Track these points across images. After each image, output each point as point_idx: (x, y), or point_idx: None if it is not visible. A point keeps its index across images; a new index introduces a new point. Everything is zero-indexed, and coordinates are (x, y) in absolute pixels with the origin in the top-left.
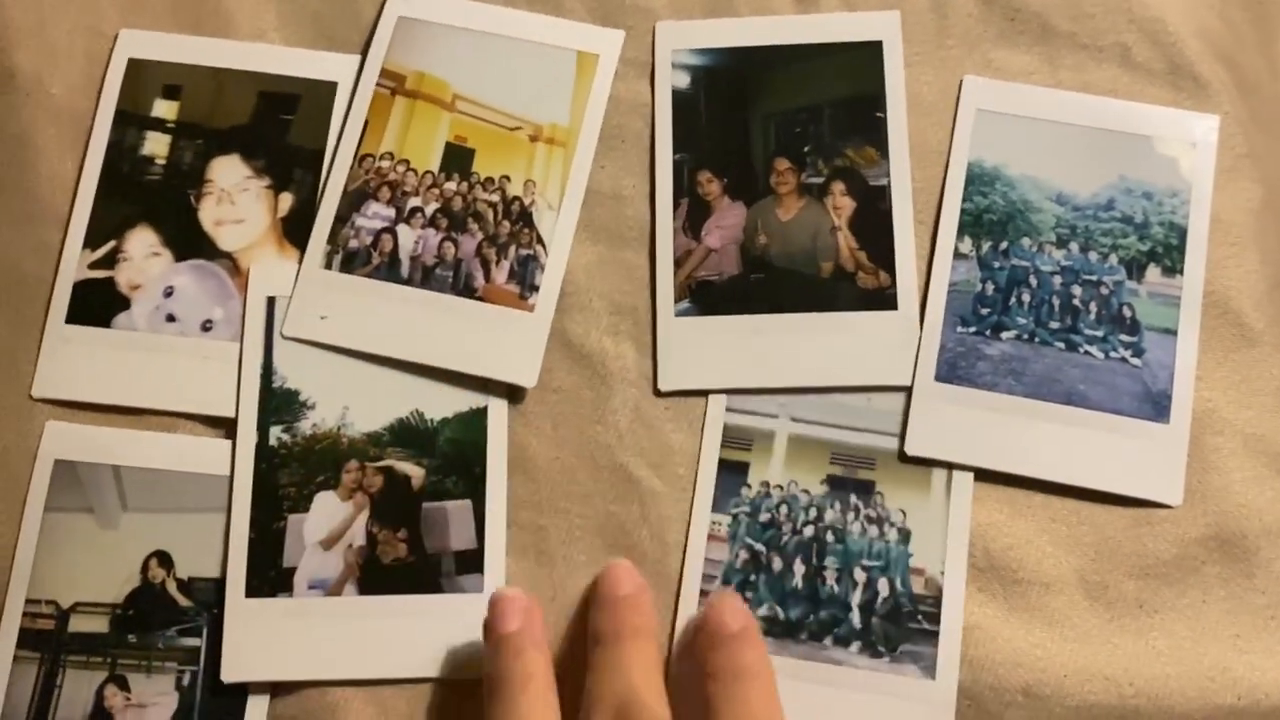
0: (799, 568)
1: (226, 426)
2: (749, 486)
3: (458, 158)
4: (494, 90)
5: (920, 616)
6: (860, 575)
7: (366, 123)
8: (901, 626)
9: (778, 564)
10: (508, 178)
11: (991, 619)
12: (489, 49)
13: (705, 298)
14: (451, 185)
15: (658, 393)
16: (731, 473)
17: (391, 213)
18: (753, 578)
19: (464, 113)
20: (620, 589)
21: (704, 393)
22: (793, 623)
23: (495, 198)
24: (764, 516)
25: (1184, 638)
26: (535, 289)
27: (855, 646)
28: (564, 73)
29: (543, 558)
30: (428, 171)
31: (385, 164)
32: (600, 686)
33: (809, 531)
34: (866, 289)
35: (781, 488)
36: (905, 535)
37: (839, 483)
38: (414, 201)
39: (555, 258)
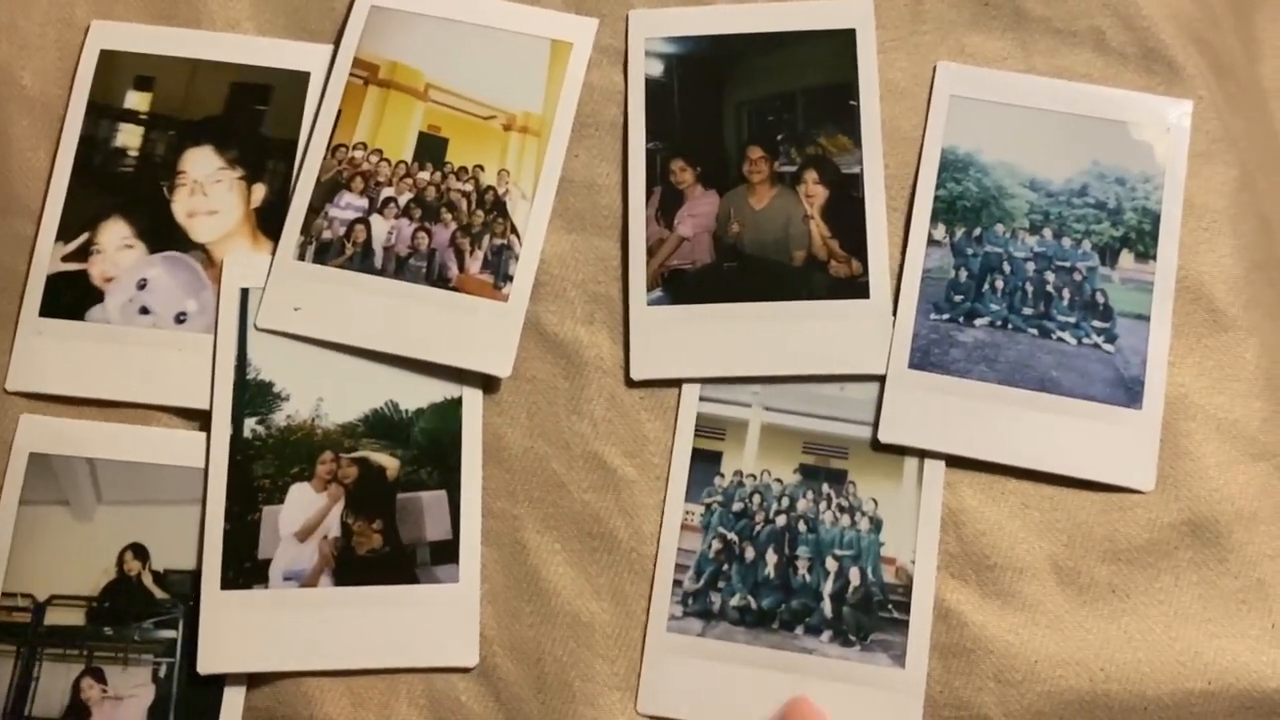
0: (771, 557)
1: (201, 419)
2: (722, 476)
3: (431, 147)
4: (467, 79)
5: (891, 605)
6: (832, 564)
7: (339, 113)
8: (872, 615)
9: (750, 553)
10: (481, 167)
11: (964, 605)
12: (462, 37)
13: (678, 286)
14: (425, 175)
15: (630, 382)
16: (705, 462)
17: (365, 203)
18: (725, 567)
19: (437, 102)
20: None
21: (676, 382)
22: (765, 612)
23: (469, 187)
24: (737, 506)
25: (1156, 622)
26: (509, 279)
27: (826, 635)
28: (537, 61)
29: (517, 547)
30: (401, 161)
31: (358, 154)
32: None
33: (781, 521)
34: (839, 277)
35: (754, 477)
36: (877, 524)
37: (811, 472)
38: (387, 191)
39: (529, 247)
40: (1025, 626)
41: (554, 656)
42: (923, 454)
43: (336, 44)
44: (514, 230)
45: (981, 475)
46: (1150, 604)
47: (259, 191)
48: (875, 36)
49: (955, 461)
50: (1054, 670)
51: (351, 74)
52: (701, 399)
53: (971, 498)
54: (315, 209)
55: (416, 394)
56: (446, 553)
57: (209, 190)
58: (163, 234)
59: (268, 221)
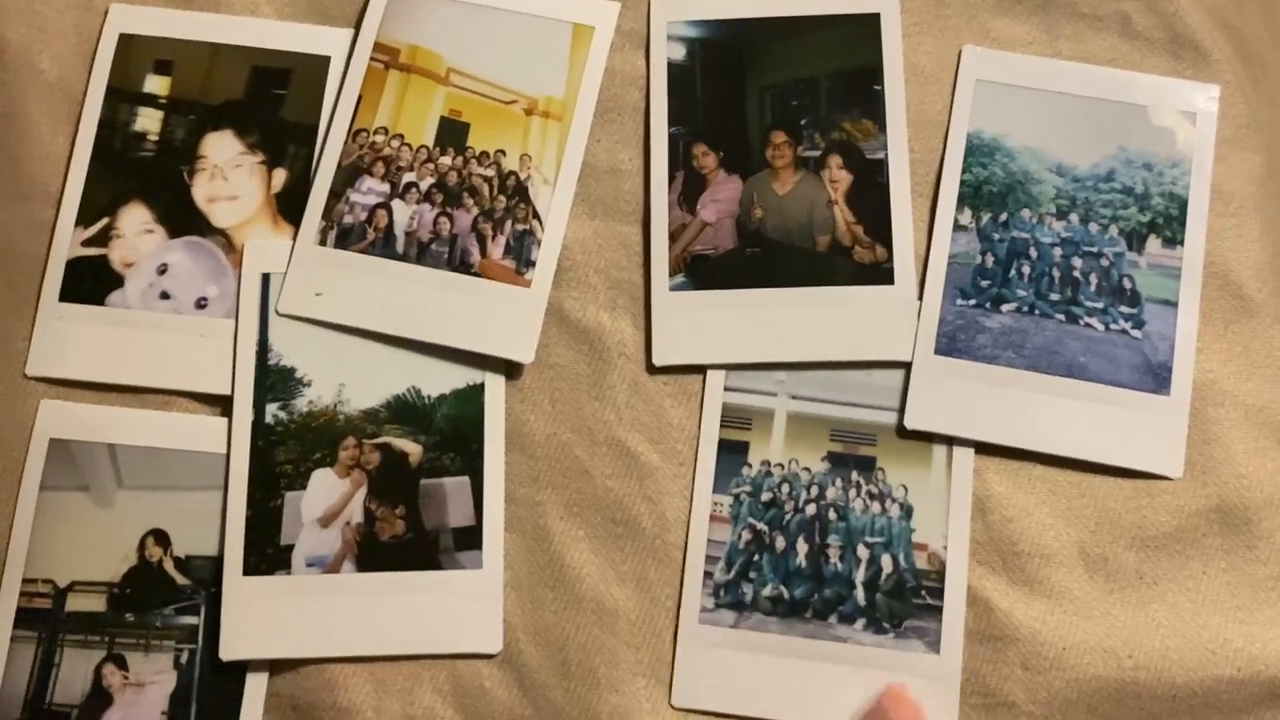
0: (802, 546)
1: (222, 404)
2: (749, 466)
3: (453, 132)
4: (488, 63)
5: (924, 591)
6: (863, 552)
7: (360, 97)
8: (906, 602)
9: (780, 543)
10: (503, 152)
11: (991, 592)
12: (483, 21)
13: (700, 272)
14: (446, 160)
15: (651, 368)
16: (731, 452)
17: (386, 188)
18: (756, 557)
19: (458, 86)
20: None
21: (698, 368)
22: (797, 601)
23: (491, 172)
24: (765, 495)
25: (1184, 609)
26: (532, 264)
27: (860, 623)
28: (559, 45)
29: (540, 533)
30: (422, 146)
31: (380, 139)
32: None
33: (811, 509)
34: (863, 263)
35: (782, 466)
36: (907, 511)
37: (840, 460)
38: (409, 177)
39: (552, 233)
40: (1053, 613)
41: (578, 643)
42: (950, 440)
43: (357, 28)
44: (536, 215)
45: (1009, 462)
46: (1178, 591)
47: (279, 176)
48: (900, 20)
49: (982, 448)
50: (1081, 657)
51: (372, 58)
52: (726, 389)
53: (999, 484)
54: (336, 194)
55: (439, 380)
56: (469, 539)
57: (229, 175)
58: (183, 219)
59: (288, 206)
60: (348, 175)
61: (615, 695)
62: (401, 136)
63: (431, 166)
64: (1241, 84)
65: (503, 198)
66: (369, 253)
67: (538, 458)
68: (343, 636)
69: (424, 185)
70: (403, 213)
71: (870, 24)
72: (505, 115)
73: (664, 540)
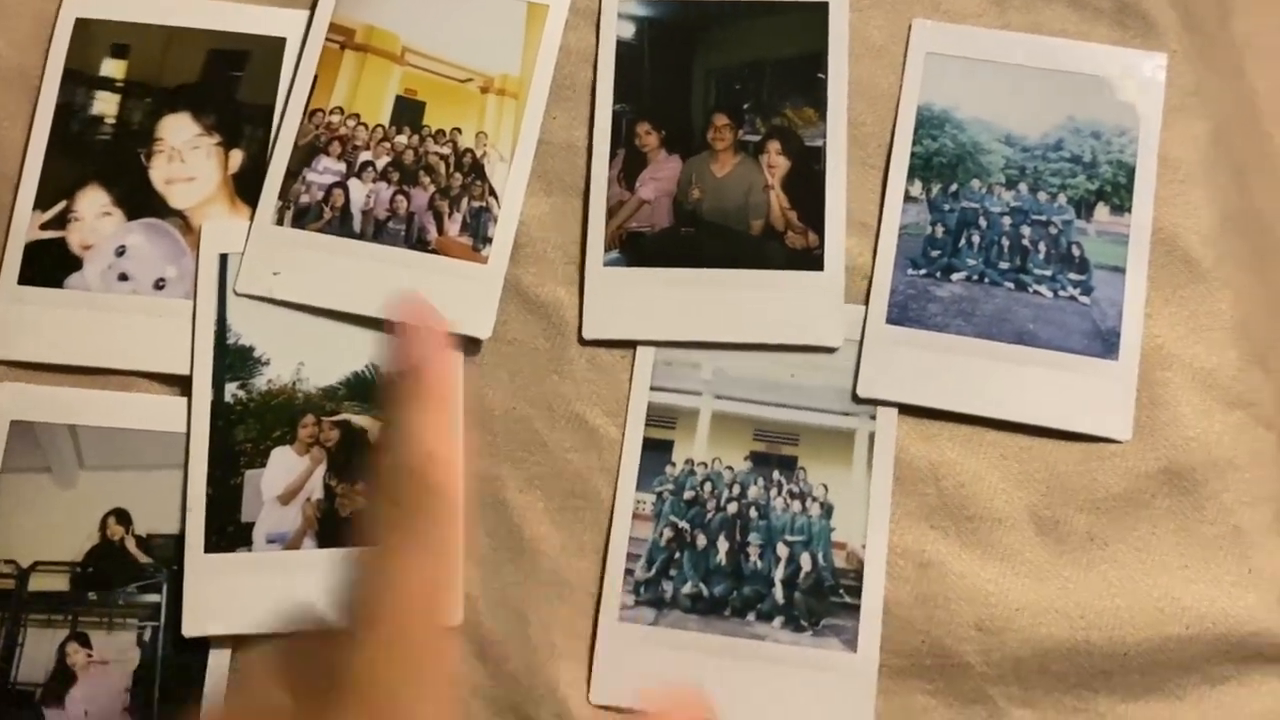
0: (722, 544)
1: (182, 384)
2: (673, 464)
3: (408, 111)
4: (444, 42)
5: (842, 590)
6: (783, 550)
7: (316, 77)
8: (823, 601)
9: (701, 541)
10: (459, 130)
11: (945, 555)
12: (438, 1)
13: (635, 249)
14: (403, 139)
15: (582, 341)
16: (656, 451)
17: (342, 167)
18: (677, 555)
19: (414, 65)
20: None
21: (628, 343)
22: (716, 599)
23: (447, 150)
24: (688, 494)
25: (1134, 570)
26: (488, 241)
27: (778, 622)
28: (514, 23)
29: (500, 506)
30: (378, 125)
31: (335, 118)
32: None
33: (732, 508)
34: (795, 249)
35: (705, 465)
36: (827, 510)
37: (762, 459)
38: (365, 155)
39: (508, 209)
40: (1005, 576)
41: (537, 615)
42: (902, 406)
43: (312, 9)
44: (492, 193)
45: (960, 428)
46: (1128, 552)
47: (236, 158)
48: (848, 9)
49: (935, 414)
50: (1034, 619)
51: (327, 38)
52: (652, 388)
53: (951, 450)
54: (293, 174)
55: None
56: None
57: (186, 157)
58: (141, 201)
59: (245, 187)
60: (304, 155)
61: (575, 665)
62: (358, 116)
63: (388, 145)
64: (1188, 52)
65: (459, 175)
66: (326, 232)
67: (496, 432)
68: None
69: (380, 164)
70: (359, 191)
71: (818, 12)
72: (461, 94)
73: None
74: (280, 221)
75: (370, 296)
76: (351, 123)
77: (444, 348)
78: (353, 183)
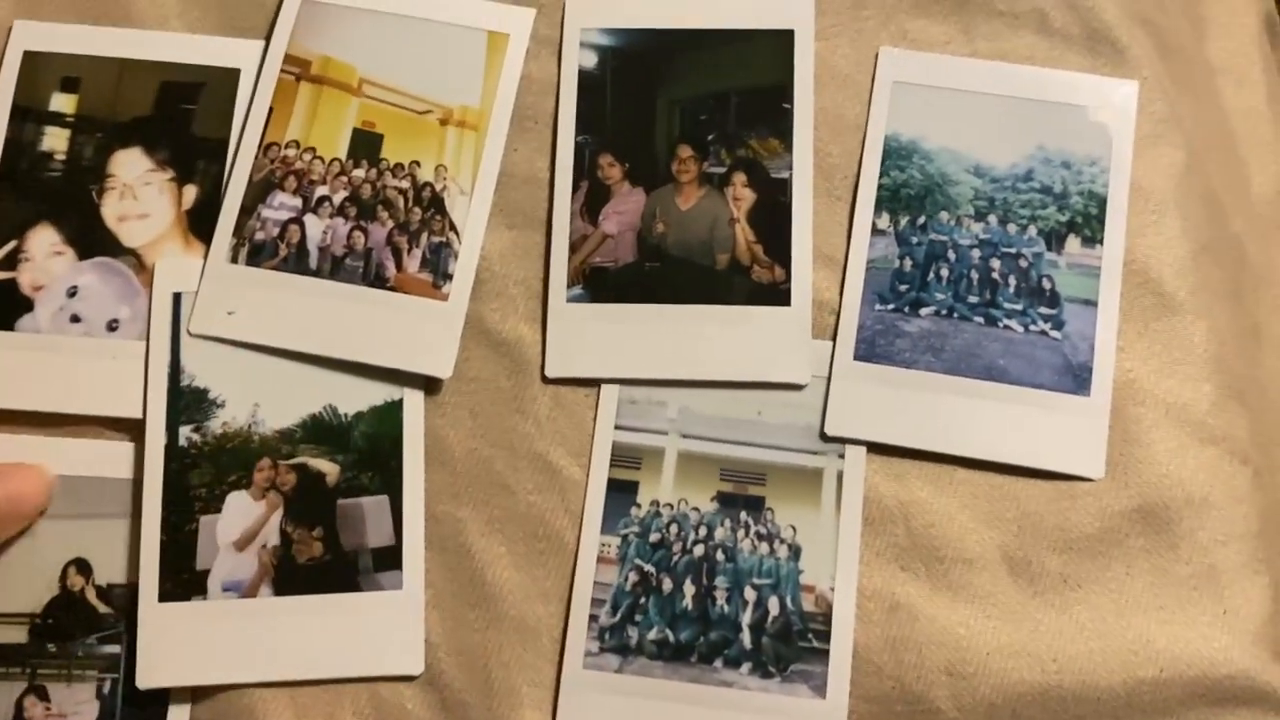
0: (689, 588)
1: (135, 428)
2: (639, 506)
3: (366, 144)
4: (402, 73)
5: (811, 634)
6: (750, 594)
7: (271, 110)
8: (792, 645)
9: (668, 585)
10: (418, 163)
11: (915, 598)
12: (396, 31)
13: (598, 284)
14: (360, 172)
15: (544, 379)
16: (621, 492)
17: (298, 202)
18: (642, 600)
19: (372, 97)
20: None
21: (592, 381)
22: (683, 645)
23: (405, 184)
24: (654, 536)
25: (1108, 611)
26: (449, 277)
27: (746, 667)
28: (474, 53)
29: (462, 551)
30: (335, 159)
31: (291, 152)
32: None
33: (699, 550)
34: (761, 283)
35: (671, 506)
36: (795, 552)
37: (729, 499)
38: (321, 190)
39: (469, 245)
40: (977, 619)
41: (501, 661)
42: (870, 445)
43: (267, 40)
44: (453, 227)
45: (930, 466)
46: (1102, 593)
47: (190, 193)
48: (815, 28)
49: (905, 453)
50: (1006, 662)
51: (283, 70)
52: (617, 427)
53: (921, 489)
54: (247, 210)
55: (355, 397)
56: (389, 559)
57: (139, 193)
58: (93, 240)
59: (200, 224)
60: (259, 190)
61: (539, 715)
62: (314, 150)
63: (345, 179)
64: (1160, 79)
65: (418, 210)
66: (281, 269)
67: (458, 473)
68: (262, 661)
69: (337, 199)
70: (316, 227)
71: (784, 41)
72: (420, 126)
73: None
74: (235, 259)
75: (327, 336)
76: (308, 156)
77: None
78: (309, 218)
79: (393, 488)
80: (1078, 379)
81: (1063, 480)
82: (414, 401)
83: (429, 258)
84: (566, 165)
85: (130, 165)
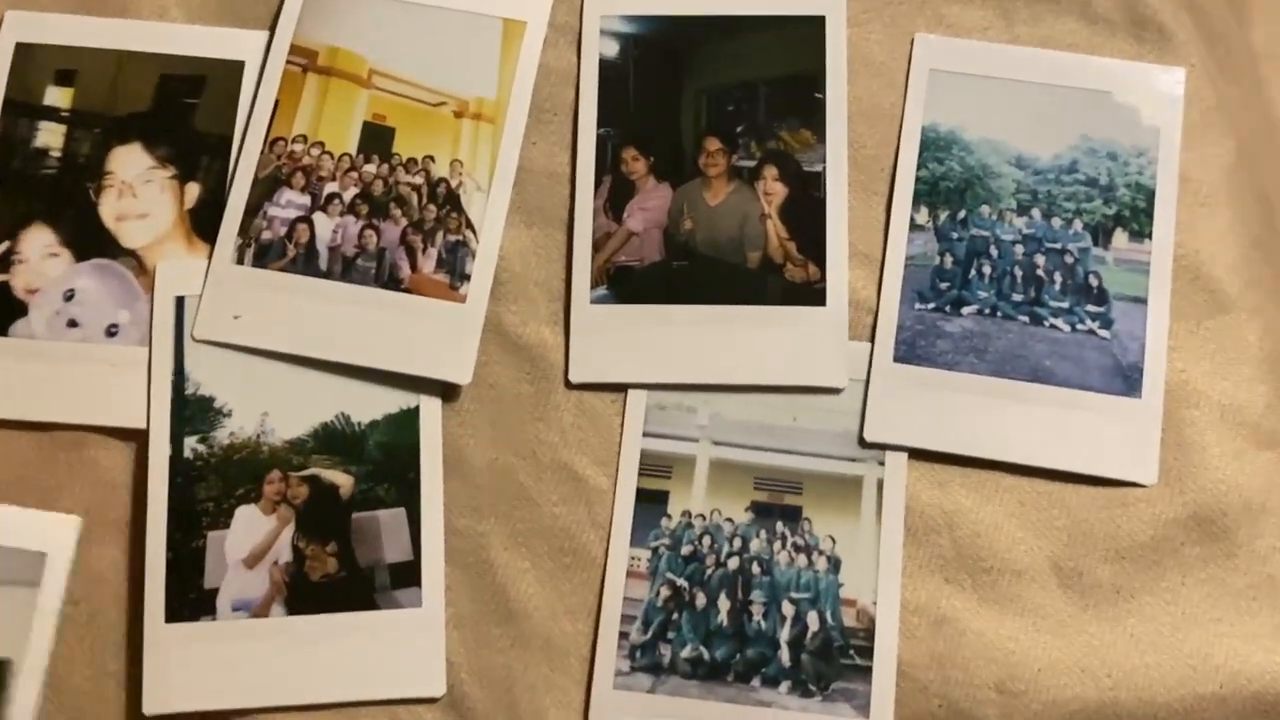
0: (724, 603)
1: (137, 438)
2: (669, 517)
3: (377, 138)
4: (414, 63)
5: (852, 651)
6: (789, 609)
7: (277, 104)
8: (833, 663)
9: (701, 600)
10: (432, 158)
11: (961, 612)
12: (407, 19)
13: (624, 284)
14: (371, 168)
15: (568, 384)
16: (650, 503)
17: (307, 200)
18: (675, 616)
19: (382, 89)
20: None
21: (618, 387)
22: (718, 663)
23: (419, 180)
24: (686, 549)
25: (1163, 624)
26: (466, 278)
27: (785, 686)
28: (489, 42)
29: (484, 566)
30: (345, 154)
31: (298, 147)
32: None
33: (733, 563)
34: (794, 282)
35: (704, 517)
36: (835, 564)
37: (764, 509)
38: (331, 187)
39: (487, 243)
40: (1026, 632)
41: (527, 683)
42: (911, 451)
43: (272, 30)
44: (469, 225)
45: (975, 473)
46: (1156, 605)
47: (193, 191)
48: (847, 14)
49: (947, 459)
50: (1058, 678)
51: (289, 61)
52: (645, 434)
53: (965, 497)
54: (253, 208)
55: (369, 405)
56: (407, 575)
57: (139, 191)
58: (90, 240)
59: (203, 223)
60: (265, 188)
61: None
62: (322, 144)
63: (355, 175)
64: (1207, 66)
65: (433, 207)
66: (290, 270)
67: (478, 485)
68: (274, 685)
69: (347, 196)
70: (325, 226)
71: (814, 27)
72: (433, 118)
73: None
74: (240, 260)
75: (340, 340)
76: (316, 151)
77: None
78: (318, 217)
79: (410, 500)
80: (1128, 380)
81: (1114, 487)
82: (431, 409)
83: (445, 257)
84: (588, 159)
85: (129, 162)
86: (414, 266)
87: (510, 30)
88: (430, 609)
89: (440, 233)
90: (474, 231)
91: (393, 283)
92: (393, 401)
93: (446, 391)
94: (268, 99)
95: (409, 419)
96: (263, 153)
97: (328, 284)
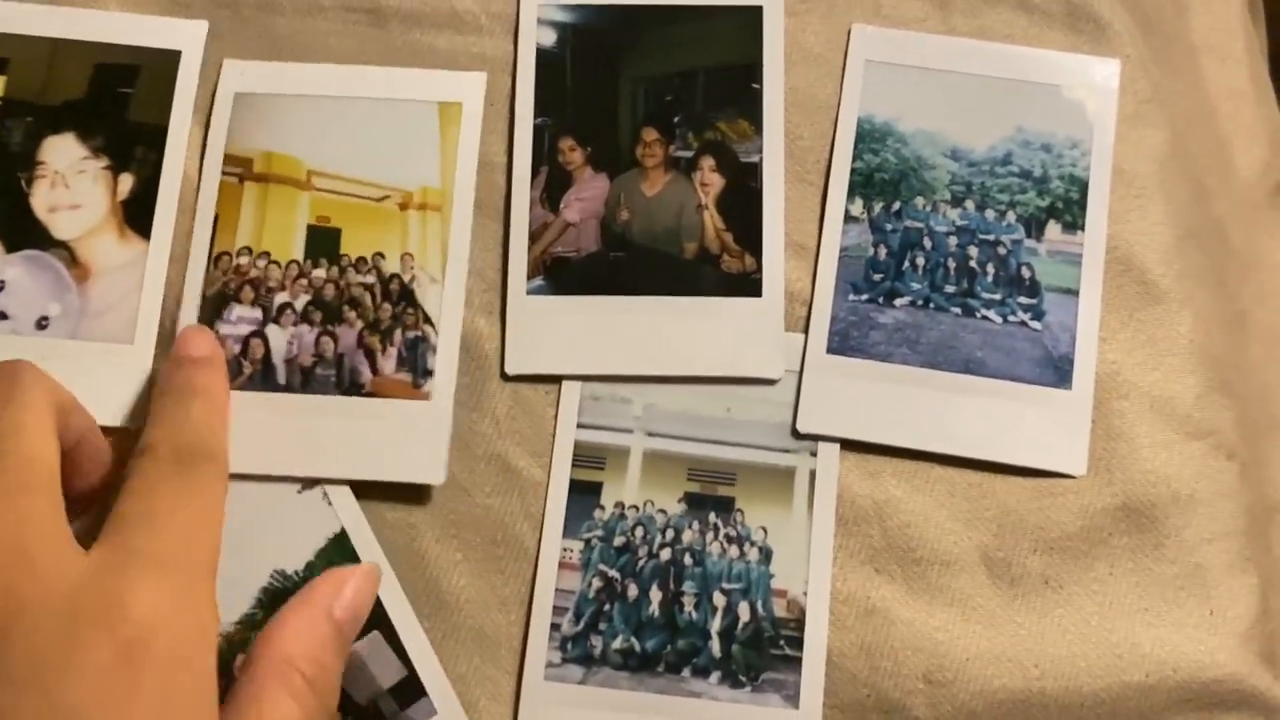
0: (655, 594)
1: None
2: (602, 508)
3: (323, 240)
4: (352, 160)
5: (783, 641)
6: (720, 600)
7: (216, 217)
8: (763, 653)
9: (633, 591)
10: (381, 254)
11: (890, 602)
12: (340, 116)
13: (560, 276)
14: (320, 272)
15: (504, 376)
16: (584, 494)
17: (259, 313)
18: (606, 607)
19: (323, 189)
20: (195, 351)
21: (554, 378)
22: (649, 654)
23: (371, 279)
24: (618, 540)
25: (1091, 614)
26: (429, 373)
27: (715, 677)
28: (427, 129)
29: (415, 558)
30: (292, 261)
31: (244, 260)
32: (160, 430)
33: (665, 554)
34: (731, 273)
35: (637, 508)
36: (767, 554)
37: (697, 500)
38: (282, 297)
39: (446, 336)
40: (955, 623)
41: (458, 674)
42: (843, 442)
43: (204, 143)
44: (427, 319)
45: (906, 463)
46: (1085, 595)
47: (126, 182)
48: (784, 4)
49: (879, 450)
50: (986, 668)
51: (224, 173)
52: (579, 426)
53: (896, 488)
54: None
55: (300, 548)
56: (411, 691)
57: (71, 182)
58: (21, 231)
59: (136, 215)
60: (214, 305)
61: None
62: (268, 254)
63: (305, 282)
64: (1143, 57)
65: (388, 305)
66: (248, 389)
67: None
68: None
69: (299, 304)
70: (280, 338)
71: (752, 17)
72: (378, 214)
73: None
74: None
75: (305, 457)
76: (262, 263)
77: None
78: (271, 329)
79: (380, 622)
80: (1059, 371)
81: (1043, 477)
82: (359, 522)
83: (405, 355)
84: (525, 149)
85: (62, 152)
86: (374, 369)
87: (446, 114)
88: (447, 712)
89: (398, 330)
90: (432, 325)
91: (354, 388)
92: (319, 533)
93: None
94: (207, 213)
95: (340, 543)
96: (208, 270)
97: (288, 397)
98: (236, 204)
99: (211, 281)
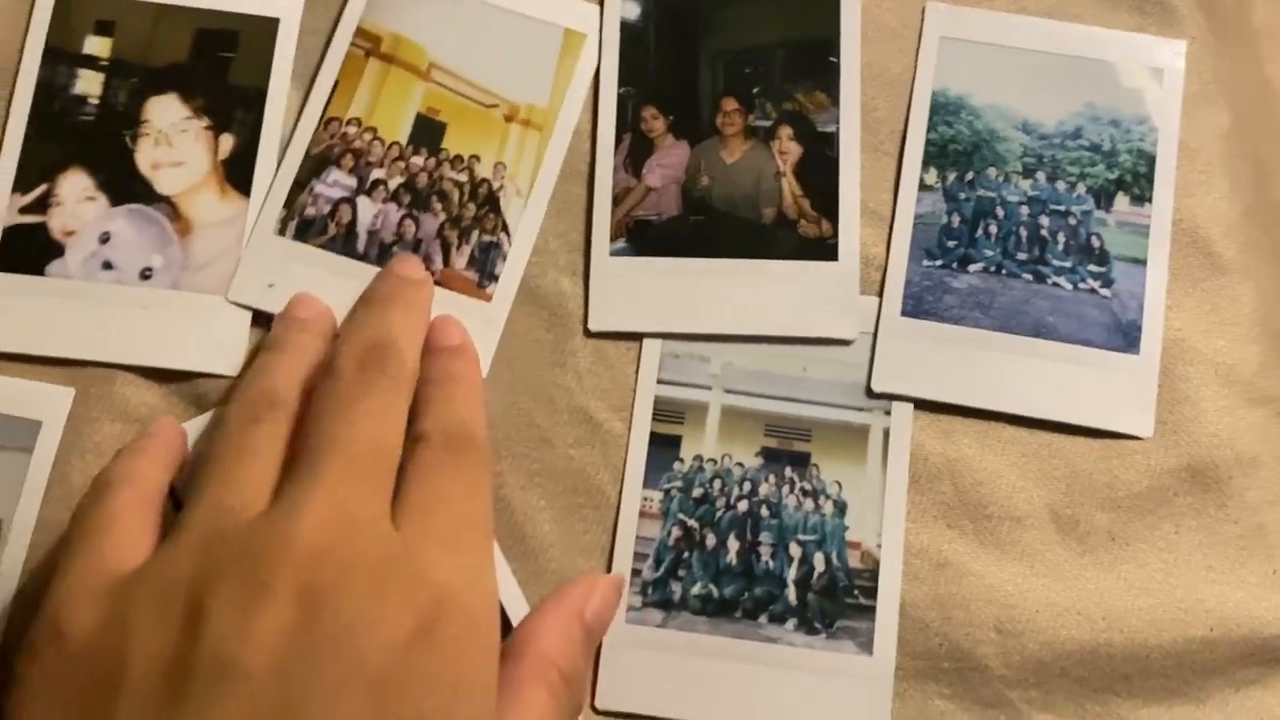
0: (733, 544)
1: (166, 378)
2: (681, 461)
3: (428, 131)
4: (473, 62)
5: (857, 591)
6: (795, 550)
7: (336, 84)
8: (838, 602)
9: (711, 540)
10: (477, 157)
11: (962, 555)
12: (472, 17)
13: (642, 238)
14: (418, 160)
15: (587, 333)
16: (663, 447)
17: (353, 182)
18: (686, 555)
19: (439, 83)
20: (408, 272)
21: (635, 335)
22: (727, 600)
23: (463, 177)
24: (697, 491)
25: (1156, 570)
26: (495, 278)
27: (791, 624)
28: (548, 50)
29: (501, 504)
30: (395, 143)
31: (352, 130)
32: (430, 421)
33: (743, 506)
34: (807, 237)
35: (715, 461)
36: (841, 508)
37: (774, 455)
38: (377, 173)
39: (518, 249)
40: (1025, 576)
41: None
42: (917, 401)
43: (340, 9)
44: (505, 228)
45: (978, 423)
46: (1150, 551)
47: (227, 142)
48: None
49: (951, 409)
50: (1055, 620)
51: (353, 43)
52: (659, 381)
53: (968, 446)
54: (301, 183)
55: None
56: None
57: (174, 140)
58: (125, 186)
59: (236, 173)
60: (315, 165)
61: None
62: (375, 130)
63: (402, 165)
64: (1207, 39)
65: (472, 206)
66: (328, 248)
67: (497, 427)
68: None
69: (392, 184)
70: (367, 211)
71: None
72: (484, 119)
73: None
74: (282, 232)
75: None
76: (368, 136)
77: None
78: (361, 200)
79: None
80: (1127, 337)
81: (1111, 439)
82: None
83: (477, 256)
84: (609, 117)
85: (165, 112)
86: (446, 261)
87: (570, 41)
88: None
89: (476, 231)
90: (508, 235)
91: None
92: None
93: None
94: (328, 78)
95: None
96: (317, 130)
97: (362, 266)
98: (357, 76)
99: (318, 141)
